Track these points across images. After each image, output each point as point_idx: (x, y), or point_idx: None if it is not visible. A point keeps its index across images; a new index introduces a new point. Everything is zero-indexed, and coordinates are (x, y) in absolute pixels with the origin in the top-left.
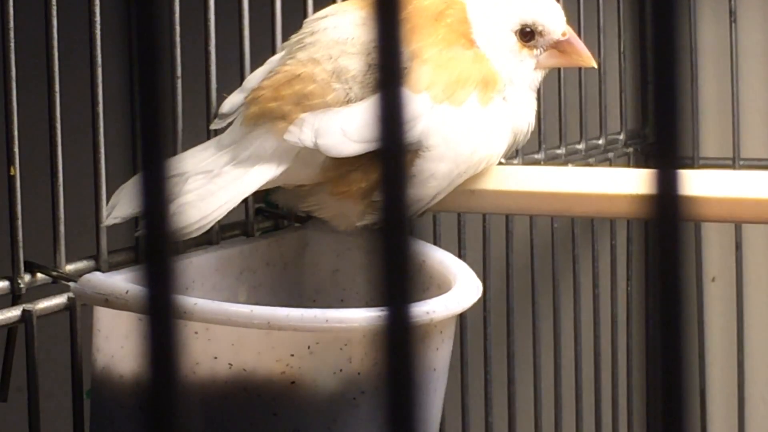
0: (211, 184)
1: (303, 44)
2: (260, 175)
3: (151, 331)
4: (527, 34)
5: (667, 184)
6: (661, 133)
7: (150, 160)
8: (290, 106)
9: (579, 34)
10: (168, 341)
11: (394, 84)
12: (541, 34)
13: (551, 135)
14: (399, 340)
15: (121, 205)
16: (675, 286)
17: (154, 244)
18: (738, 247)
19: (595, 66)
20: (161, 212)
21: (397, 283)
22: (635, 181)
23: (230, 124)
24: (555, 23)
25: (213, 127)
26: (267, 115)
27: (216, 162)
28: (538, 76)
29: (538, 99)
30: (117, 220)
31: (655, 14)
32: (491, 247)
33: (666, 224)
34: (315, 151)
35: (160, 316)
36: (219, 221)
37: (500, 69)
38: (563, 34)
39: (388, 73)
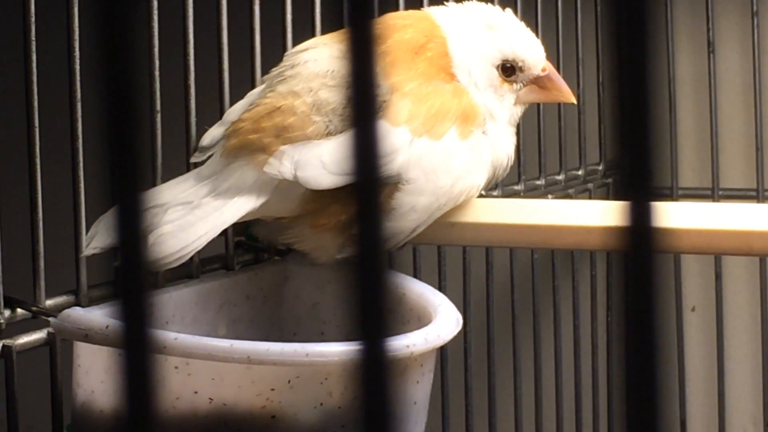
0: (190, 215)
1: (283, 77)
2: (240, 207)
3: (127, 364)
4: (508, 69)
5: (638, 216)
6: (634, 164)
7: (124, 194)
8: (270, 138)
9: (558, 65)
10: (144, 375)
11: (369, 118)
12: (521, 69)
13: (531, 166)
14: (376, 374)
15: (100, 236)
16: (649, 319)
17: (130, 278)
18: (718, 277)
19: (575, 102)
20: (136, 245)
21: (374, 316)
22: (611, 214)
23: (210, 156)
24: (535, 59)
25: (193, 160)
26: (247, 147)
27: (196, 193)
28: (518, 111)
29: (518, 129)
30: (96, 251)
31: (627, 46)
32: (471, 279)
33: (639, 256)
34: (294, 183)
35: (136, 350)
36: (199, 255)
37: (480, 103)
38: (543, 70)
39: (362, 106)
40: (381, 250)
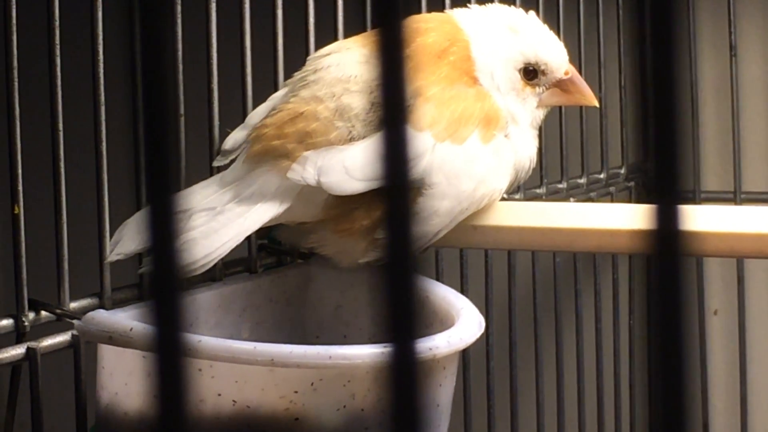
0: (214, 221)
1: (306, 82)
2: (263, 213)
3: (158, 368)
4: (530, 73)
5: (665, 220)
6: (659, 168)
7: (156, 196)
8: (293, 144)
9: (580, 69)
10: (176, 379)
11: (398, 122)
12: (543, 72)
13: (553, 169)
14: (404, 377)
15: (124, 242)
16: (675, 322)
17: (161, 281)
18: (740, 280)
19: (597, 105)
20: (169, 248)
21: (402, 319)
22: (636, 217)
23: (233, 160)
24: (558, 62)
25: (216, 164)
26: (270, 153)
27: (219, 199)
28: (540, 114)
29: (540, 132)
30: (120, 257)
31: (653, 49)
32: (493, 282)
33: (665, 259)
34: (318, 188)
35: (168, 354)
36: (222, 258)
37: (503, 107)
38: (566, 73)
39: (391, 110)
40: (410, 254)
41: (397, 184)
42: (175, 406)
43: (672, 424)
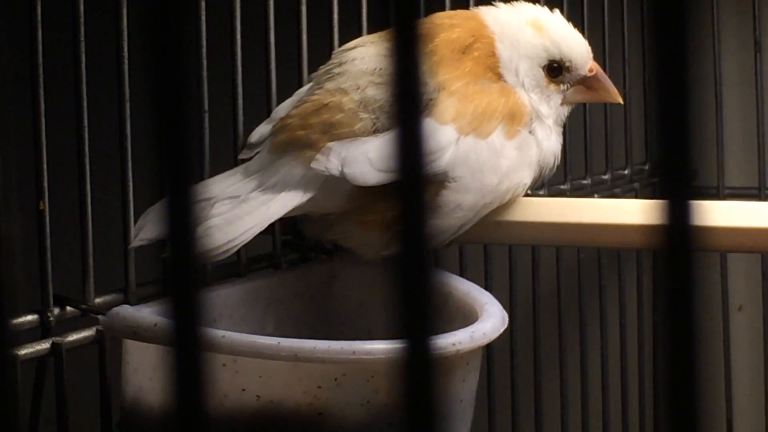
0: (237, 209)
1: (331, 75)
2: (286, 202)
3: (176, 361)
4: (555, 70)
5: (675, 215)
6: (669, 162)
7: (174, 187)
8: (318, 134)
9: (604, 65)
10: (194, 372)
11: (412, 117)
12: (568, 69)
13: (577, 165)
14: (420, 373)
15: (147, 228)
16: (688, 318)
17: (180, 273)
18: (764, 276)
19: (621, 102)
20: (187, 238)
21: (418, 314)
22: (651, 212)
23: (258, 153)
24: (582, 59)
25: (241, 156)
26: (294, 143)
27: (243, 188)
28: (564, 111)
29: (564, 128)
30: (144, 242)
31: (665, 45)
32: (517, 277)
33: (675, 255)
34: (341, 179)
35: (186, 347)
36: (246, 253)
37: (527, 103)
38: (590, 70)
39: (407, 105)
40: (426, 249)
41: (413, 178)
42: (193, 400)
43: (682, 422)
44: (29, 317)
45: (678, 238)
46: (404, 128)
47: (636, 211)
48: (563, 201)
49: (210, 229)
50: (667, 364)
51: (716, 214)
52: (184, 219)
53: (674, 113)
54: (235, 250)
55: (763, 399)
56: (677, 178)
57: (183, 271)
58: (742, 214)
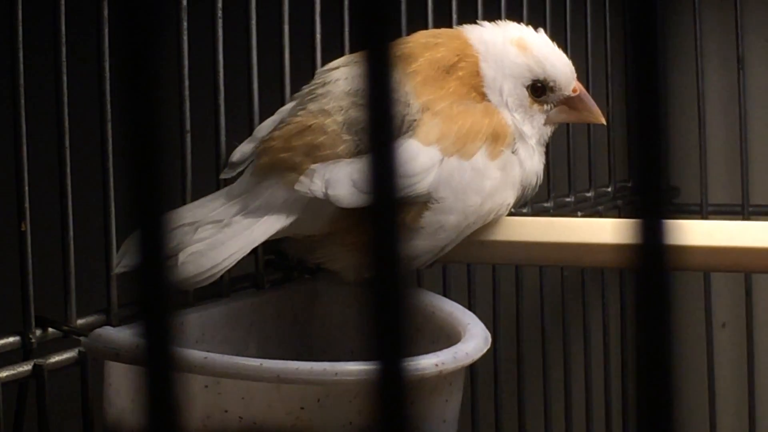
0: (221, 233)
1: (314, 95)
2: (270, 225)
3: (147, 384)
4: (538, 90)
5: (646, 235)
6: (641, 182)
7: (147, 216)
8: (301, 156)
9: (587, 83)
10: (167, 396)
11: (387, 137)
12: (552, 89)
13: (560, 183)
14: (390, 395)
15: (130, 254)
16: (658, 339)
17: (152, 299)
18: (748, 293)
19: (604, 123)
20: (159, 269)
21: (390, 337)
22: (623, 232)
23: (240, 173)
24: (566, 79)
25: (223, 176)
26: (278, 166)
27: (226, 211)
28: (547, 131)
29: (547, 146)
30: (126, 269)
31: (636, 62)
32: (501, 297)
33: (645, 274)
34: (325, 201)
35: (158, 371)
36: (229, 273)
37: (510, 123)
38: (574, 90)
39: (379, 130)
40: (399, 271)
41: (386, 205)
42: (166, 423)
43: None
44: (11, 339)
45: (650, 258)
46: (378, 151)
47: (620, 231)
48: (546, 220)
49: (193, 254)
50: (639, 383)
51: (692, 233)
52: (157, 251)
53: (651, 131)
54: (219, 275)
55: (746, 415)
56: (652, 197)
57: (155, 299)
58: (719, 233)
